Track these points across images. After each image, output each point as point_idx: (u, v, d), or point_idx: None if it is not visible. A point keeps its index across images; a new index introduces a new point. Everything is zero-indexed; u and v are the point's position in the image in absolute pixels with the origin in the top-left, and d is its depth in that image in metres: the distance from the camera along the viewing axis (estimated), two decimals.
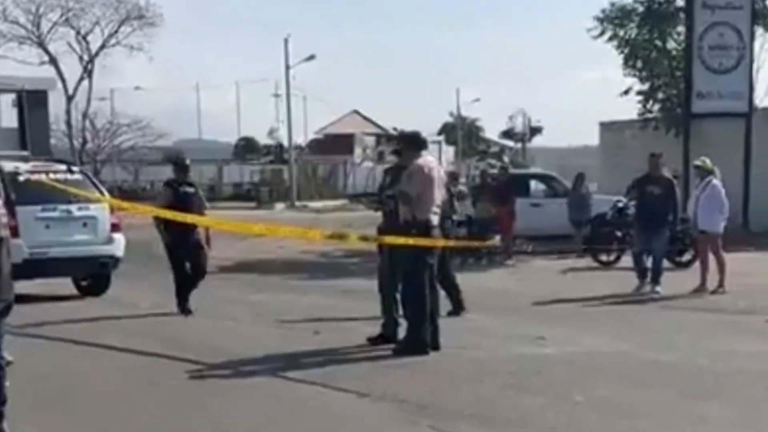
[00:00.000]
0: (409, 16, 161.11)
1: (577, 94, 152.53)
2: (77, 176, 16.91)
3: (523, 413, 8.38)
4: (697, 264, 17.67)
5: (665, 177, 17.14)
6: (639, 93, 32.15)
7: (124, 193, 55.32)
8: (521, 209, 23.84)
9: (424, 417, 8.22)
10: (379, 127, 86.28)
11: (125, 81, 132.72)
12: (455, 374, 10.06)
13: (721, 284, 16.48)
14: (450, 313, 13.33)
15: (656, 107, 32.09)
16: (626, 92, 32.33)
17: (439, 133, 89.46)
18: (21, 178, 16.06)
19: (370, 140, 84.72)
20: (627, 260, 18.41)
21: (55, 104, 51.99)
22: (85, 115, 67.98)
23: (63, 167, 17.10)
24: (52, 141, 48.64)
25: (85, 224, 16.46)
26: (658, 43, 31.72)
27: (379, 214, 12.22)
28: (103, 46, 66.85)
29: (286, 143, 70.00)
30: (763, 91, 33.16)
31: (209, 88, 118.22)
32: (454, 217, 14.68)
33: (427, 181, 11.11)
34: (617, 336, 12.47)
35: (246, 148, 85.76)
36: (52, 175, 16.27)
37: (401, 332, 11.32)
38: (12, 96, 34.96)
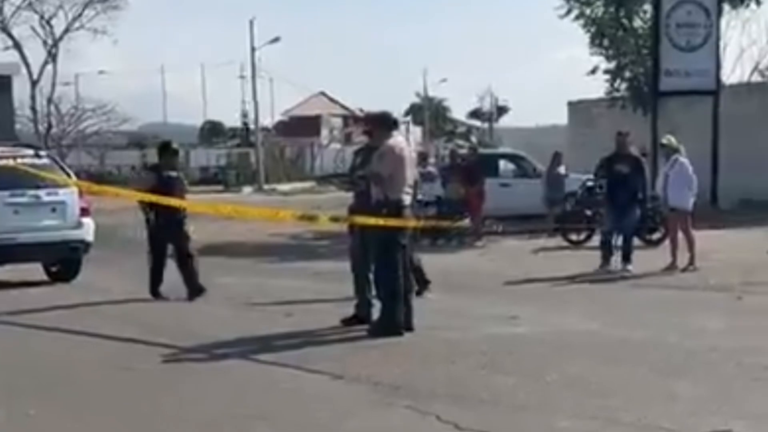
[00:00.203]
0: None
1: (544, 74, 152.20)
2: (45, 161, 16.77)
3: (495, 392, 8.38)
4: (667, 242, 17.75)
5: (633, 155, 17.21)
6: (606, 72, 32.26)
7: (91, 177, 54.97)
8: (490, 189, 23.77)
9: (399, 398, 8.21)
10: (345, 108, 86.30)
11: (90, 65, 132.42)
12: (429, 355, 10.06)
13: (691, 262, 16.57)
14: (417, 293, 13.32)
15: (624, 86, 32.20)
16: (593, 71, 32.45)
17: (407, 114, 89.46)
18: None
19: (337, 122, 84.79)
20: (597, 239, 18.44)
21: (20, 89, 51.38)
22: (49, 100, 67.47)
23: (30, 152, 16.96)
24: (17, 126, 48.19)
25: (54, 209, 16.34)
26: (625, 21, 31.78)
27: (350, 195, 12.23)
28: (67, 30, 66.43)
29: (252, 126, 69.85)
30: (730, 68, 33.41)
31: (174, 71, 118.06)
32: (420, 197, 14.66)
33: (399, 161, 11.11)
34: (589, 314, 12.50)
35: (212, 132, 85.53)
36: (19, 160, 16.17)
37: (375, 313, 11.34)
38: None
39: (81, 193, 16.79)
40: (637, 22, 31.88)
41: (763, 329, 11.35)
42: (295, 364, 9.66)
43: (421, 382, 8.80)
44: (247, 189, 57.45)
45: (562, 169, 25.39)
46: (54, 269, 17.13)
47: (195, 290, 14.37)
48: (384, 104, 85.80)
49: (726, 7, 30.73)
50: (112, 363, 10.05)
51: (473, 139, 79.44)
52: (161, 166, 14.78)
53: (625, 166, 16.87)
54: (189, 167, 70.76)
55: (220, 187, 56.78)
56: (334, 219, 13.17)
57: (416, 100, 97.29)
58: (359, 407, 8.10)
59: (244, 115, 78.62)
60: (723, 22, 30.60)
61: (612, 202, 17.12)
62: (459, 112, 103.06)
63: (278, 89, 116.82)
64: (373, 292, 11.42)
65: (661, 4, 28.70)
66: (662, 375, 9.00)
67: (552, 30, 74.10)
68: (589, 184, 21.73)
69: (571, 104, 40.59)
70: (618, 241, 16.84)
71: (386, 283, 11.06)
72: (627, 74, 32.14)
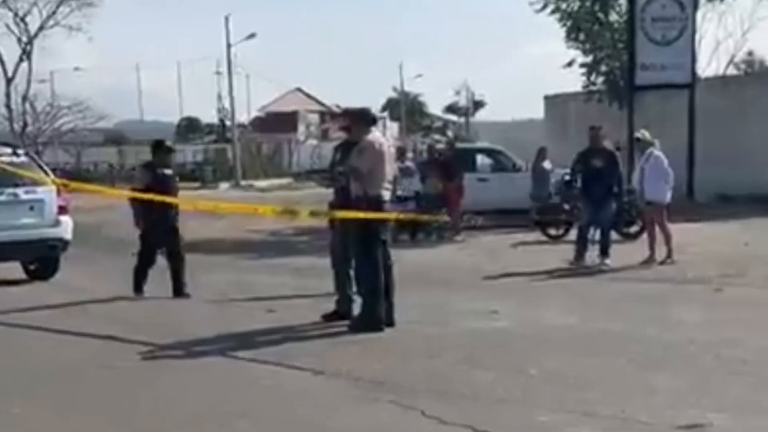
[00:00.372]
0: None
1: (520, 68, 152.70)
2: (23, 159, 16.71)
3: (476, 387, 8.41)
4: (645, 236, 17.83)
5: (607, 149, 17.31)
6: (582, 65, 32.36)
7: (67, 174, 54.73)
8: (468, 184, 23.78)
9: (380, 393, 8.24)
10: (322, 104, 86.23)
11: (65, 62, 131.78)
12: (409, 350, 10.09)
13: (669, 255, 16.65)
14: None
15: (600, 80, 32.30)
16: (569, 64, 32.57)
17: (383, 110, 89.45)
18: None
19: (314, 118, 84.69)
20: (575, 233, 18.49)
21: None
22: (25, 98, 67.01)
23: (8, 150, 16.85)
24: None
25: (32, 207, 16.29)
26: (601, 15, 31.89)
27: (329, 191, 12.24)
28: (41, 27, 65.90)
29: (229, 122, 69.71)
30: (706, 62, 33.53)
31: (150, 68, 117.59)
32: (399, 193, 14.69)
33: (378, 157, 11.13)
34: (568, 308, 12.56)
35: (188, 128, 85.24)
36: None
37: (356, 309, 11.37)
38: None
39: (59, 192, 16.76)
40: (613, 16, 32.01)
41: (741, 322, 11.43)
42: (275, 360, 9.67)
43: (402, 378, 8.83)
44: (224, 185, 57.29)
45: (547, 164, 25.31)
46: (32, 267, 17.08)
47: (180, 291, 14.37)
48: (361, 100, 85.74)
49: None
50: (94, 361, 10.04)
51: (450, 133, 79.43)
52: (156, 164, 14.79)
53: (599, 161, 16.96)
54: None
55: (196, 184, 56.50)
56: (314, 213, 13.19)
57: (393, 95, 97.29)
58: (342, 403, 8.12)
59: (221, 111, 78.46)
60: (699, 14, 30.78)
61: (588, 197, 17.18)
62: (435, 107, 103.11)
63: (254, 85, 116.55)
64: (354, 288, 11.45)
65: None
66: (641, 368, 9.06)
67: (528, 24, 74.40)
68: (567, 178, 21.77)
69: (547, 98, 40.66)
70: (596, 235, 16.92)
71: (367, 279, 11.09)
72: (603, 68, 32.26)
